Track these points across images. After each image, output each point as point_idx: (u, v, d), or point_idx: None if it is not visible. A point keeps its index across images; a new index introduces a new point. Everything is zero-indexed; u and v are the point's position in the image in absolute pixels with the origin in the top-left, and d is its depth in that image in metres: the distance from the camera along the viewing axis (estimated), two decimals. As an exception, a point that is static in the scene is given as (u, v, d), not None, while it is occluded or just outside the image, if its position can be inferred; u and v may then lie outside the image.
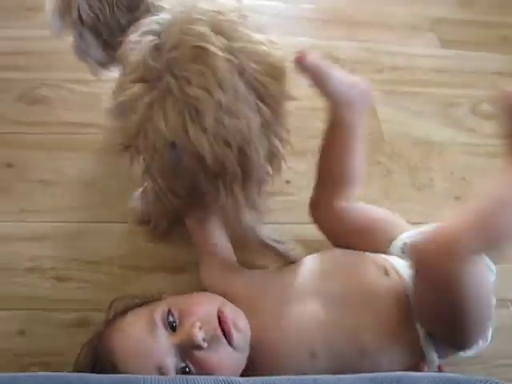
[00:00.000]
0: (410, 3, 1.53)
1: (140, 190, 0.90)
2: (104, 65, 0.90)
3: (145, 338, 0.63)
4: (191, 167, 0.70)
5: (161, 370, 0.61)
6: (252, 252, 0.86)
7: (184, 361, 0.62)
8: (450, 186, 1.06)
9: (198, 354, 0.63)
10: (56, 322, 0.81)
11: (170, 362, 0.62)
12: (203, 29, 0.68)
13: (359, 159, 0.80)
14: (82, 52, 0.89)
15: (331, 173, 0.81)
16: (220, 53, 0.66)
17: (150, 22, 0.73)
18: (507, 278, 0.94)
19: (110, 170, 1.00)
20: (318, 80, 0.73)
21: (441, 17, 1.50)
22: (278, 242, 0.75)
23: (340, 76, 0.75)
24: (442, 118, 1.20)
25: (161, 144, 0.69)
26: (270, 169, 0.76)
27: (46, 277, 0.86)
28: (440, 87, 1.27)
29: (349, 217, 0.80)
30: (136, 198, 0.90)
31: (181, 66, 0.67)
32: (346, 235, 0.80)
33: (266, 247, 0.75)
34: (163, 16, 0.73)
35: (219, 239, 0.85)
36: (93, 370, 0.63)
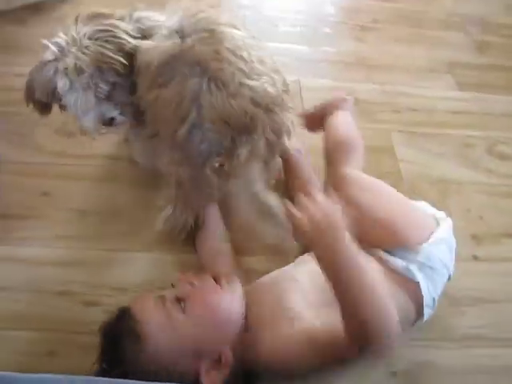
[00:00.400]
0: (429, 48, 1.60)
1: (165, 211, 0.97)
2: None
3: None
4: (218, 133, 0.78)
5: (162, 300, 0.73)
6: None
7: (180, 301, 0.73)
8: (466, 224, 1.08)
9: (192, 292, 0.75)
10: (83, 345, 0.84)
11: (169, 294, 0.74)
12: (207, 14, 0.81)
13: None
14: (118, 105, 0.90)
15: None
16: (227, 29, 0.79)
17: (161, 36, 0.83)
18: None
19: (137, 200, 1.05)
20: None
21: (458, 60, 1.56)
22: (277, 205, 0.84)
23: None
24: (458, 158, 1.24)
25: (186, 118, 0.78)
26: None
27: (76, 301, 0.90)
28: (457, 128, 1.31)
29: None
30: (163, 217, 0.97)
31: (196, 53, 0.77)
32: None
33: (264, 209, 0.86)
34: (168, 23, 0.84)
35: (222, 255, 0.94)
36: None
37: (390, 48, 1.58)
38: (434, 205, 0.93)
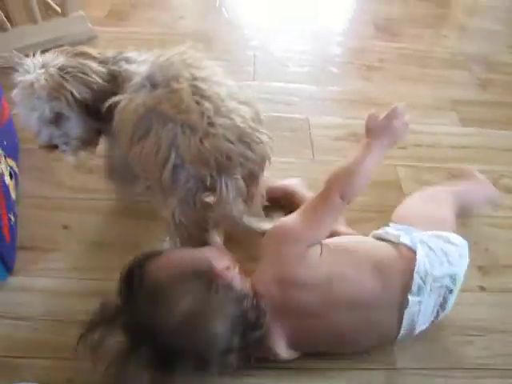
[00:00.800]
0: (434, 86, 1.66)
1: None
2: (88, 142, 1.00)
3: None
4: (198, 173, 0.83)
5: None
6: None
7: None
8: (473, 255, 1.09)
9: None
10: (100, 373, 0.86)
11: None
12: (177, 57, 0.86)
13: None
14: (65, 137, 0.95)
15: None
16: (194, 71, 0.84)
17: (135, 85, 0.87)
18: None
19: (150, 233, 1.09)
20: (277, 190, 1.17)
21: (462, 98, 1.62)
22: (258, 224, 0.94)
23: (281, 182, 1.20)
24: (464, 191, 1.27)
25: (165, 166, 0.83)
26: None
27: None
28: (462, 163, 1.35)
29: None
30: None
31: (165, 108, 0.82)
32: None
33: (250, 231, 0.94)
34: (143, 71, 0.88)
35: None
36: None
37: (396, 87, 1.64)
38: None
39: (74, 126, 0.94)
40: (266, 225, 0.93)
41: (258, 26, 1.93)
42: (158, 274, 0.80)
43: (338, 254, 0.87)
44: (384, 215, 1.16)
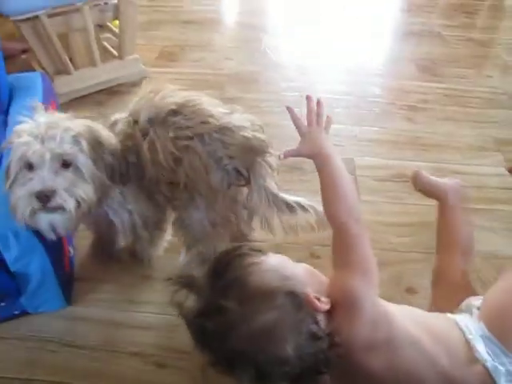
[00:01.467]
0: (477, 126, 1.67)
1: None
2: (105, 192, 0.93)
3: None
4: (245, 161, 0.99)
5: None
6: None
7: None
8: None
9: None
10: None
11: None
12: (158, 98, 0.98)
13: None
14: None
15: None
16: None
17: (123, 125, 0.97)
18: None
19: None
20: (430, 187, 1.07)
21: (506, 137, 1.62)
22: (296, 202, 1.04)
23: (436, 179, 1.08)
24: (510, 233, 1.26)
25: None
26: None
27: (147, 362, 0.96)
28: (507, 204, 1.35)
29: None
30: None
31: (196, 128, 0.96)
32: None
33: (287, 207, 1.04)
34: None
35: None
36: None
37: (439, 127, 1.66)
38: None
39: (83, 177, 0.86)
40: (300, 199, 1.05)
41: (303, 68, 2.00)
42: (253, 276, 0.74)
43: (419, 338, 0.76)
44: (429, 256, 1.17)
